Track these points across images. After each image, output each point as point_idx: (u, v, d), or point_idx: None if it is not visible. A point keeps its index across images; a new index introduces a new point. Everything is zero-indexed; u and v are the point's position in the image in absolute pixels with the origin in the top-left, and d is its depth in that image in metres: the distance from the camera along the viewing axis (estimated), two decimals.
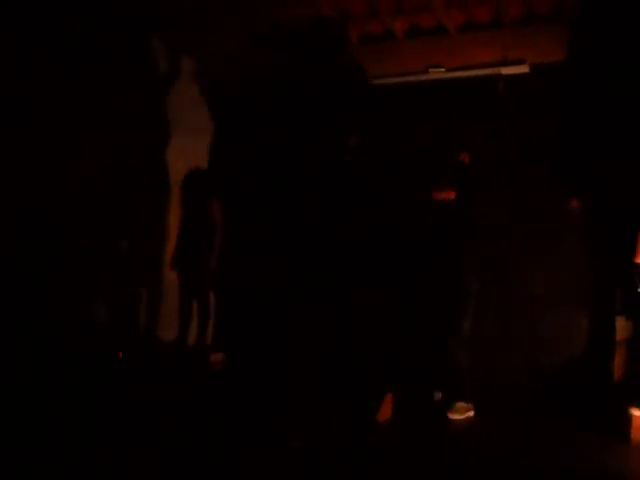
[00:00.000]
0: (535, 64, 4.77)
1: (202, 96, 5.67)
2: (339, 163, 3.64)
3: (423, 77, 5.12)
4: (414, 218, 3.93)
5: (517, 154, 4.83)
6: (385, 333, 3.90)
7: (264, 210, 3.57)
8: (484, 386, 4.11)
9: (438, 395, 4.08)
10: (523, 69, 4.81)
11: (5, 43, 4.03)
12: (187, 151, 5.33)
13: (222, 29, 5.19)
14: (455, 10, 4.87)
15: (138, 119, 5.09)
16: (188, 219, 5.20)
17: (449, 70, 5.07)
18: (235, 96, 5.24)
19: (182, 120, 5.48)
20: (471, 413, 3.90)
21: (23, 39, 4.14)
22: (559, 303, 4.67)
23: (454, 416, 3.85)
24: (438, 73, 5.07)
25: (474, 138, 4.69)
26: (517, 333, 4.77)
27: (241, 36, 5.14)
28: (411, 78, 5.17)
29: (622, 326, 4.18)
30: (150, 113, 5.30)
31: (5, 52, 4.04)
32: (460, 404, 3.89)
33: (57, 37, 4.36)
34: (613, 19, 4.33)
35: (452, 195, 4.03)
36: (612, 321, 4.22)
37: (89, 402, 3.60)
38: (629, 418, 3.61)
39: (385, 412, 3.77)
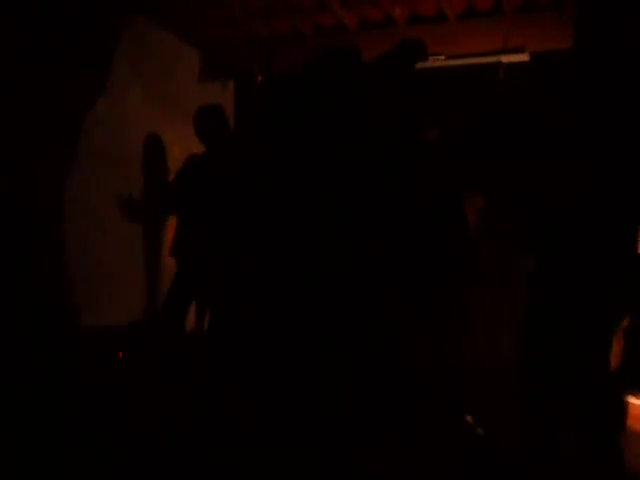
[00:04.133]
0: (535, 52, 4.76)
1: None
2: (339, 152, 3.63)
3: (422, 65, 5.09)
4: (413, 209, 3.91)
5: (515, 142, 4.82)
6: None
7: (265, 199, 3.55)
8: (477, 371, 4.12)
9: None
10: (523, 57, 4.80)
11: None
12: (184, 137, 5.30)
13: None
14: None
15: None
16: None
17: (449, 58, 5.05)
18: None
19: (179, 106, 5.48)
20: None
21: None
22: None
23: None
24: (438, 61, 5.05)
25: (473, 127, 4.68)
26: (509, 319, 4.80)
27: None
28: None
29: None
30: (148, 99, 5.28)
31: None
32: None
33: None
34: (614, 7, 4.31)
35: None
36: None
37: (88, 401, 3.60)
38: (626, 406, 3.66)
39: None
